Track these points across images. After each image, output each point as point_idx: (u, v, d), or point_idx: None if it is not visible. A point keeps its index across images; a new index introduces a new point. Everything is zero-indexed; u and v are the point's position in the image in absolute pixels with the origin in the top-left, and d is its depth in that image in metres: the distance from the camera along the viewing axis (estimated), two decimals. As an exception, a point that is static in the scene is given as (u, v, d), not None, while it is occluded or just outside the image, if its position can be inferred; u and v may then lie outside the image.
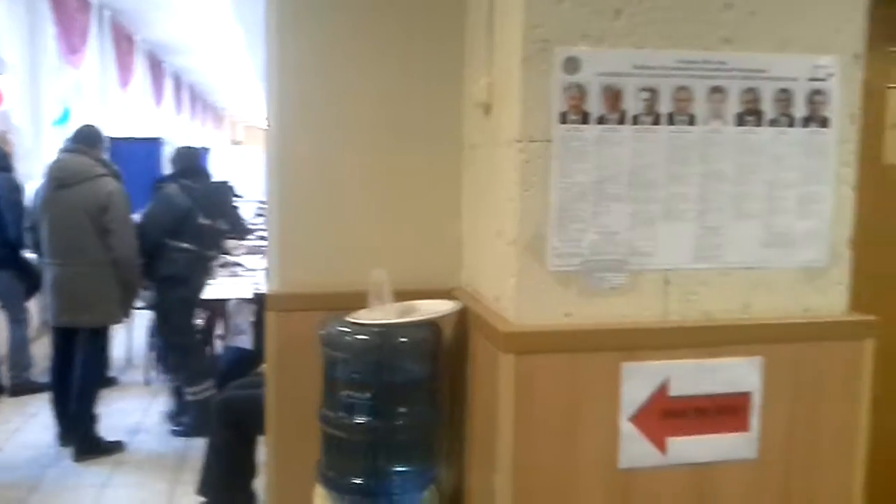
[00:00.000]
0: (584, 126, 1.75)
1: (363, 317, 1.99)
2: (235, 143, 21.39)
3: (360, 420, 1.93)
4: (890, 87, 2.43)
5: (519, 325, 1.74)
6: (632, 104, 1.77)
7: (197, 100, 16.55)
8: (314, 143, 2.23)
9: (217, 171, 12.20)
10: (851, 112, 1.87)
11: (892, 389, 2.13)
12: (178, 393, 4.92)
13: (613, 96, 1.77)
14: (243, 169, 12.62)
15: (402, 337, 1.96)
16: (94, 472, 4.24)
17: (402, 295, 2.06)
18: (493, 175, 1.93)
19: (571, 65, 1.75)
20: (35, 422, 4.91)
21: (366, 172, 2.25)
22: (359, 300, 2.05)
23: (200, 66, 13.07)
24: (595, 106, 1.76)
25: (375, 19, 2.22)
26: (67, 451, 4.42)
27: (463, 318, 2.05)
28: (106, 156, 4.64)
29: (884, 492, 2.24)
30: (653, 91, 1.78)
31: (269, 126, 2.27)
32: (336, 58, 2.22)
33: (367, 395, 1.91)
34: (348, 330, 1.96)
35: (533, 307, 1.75)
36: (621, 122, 1.77)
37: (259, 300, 5.18)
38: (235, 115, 22.15)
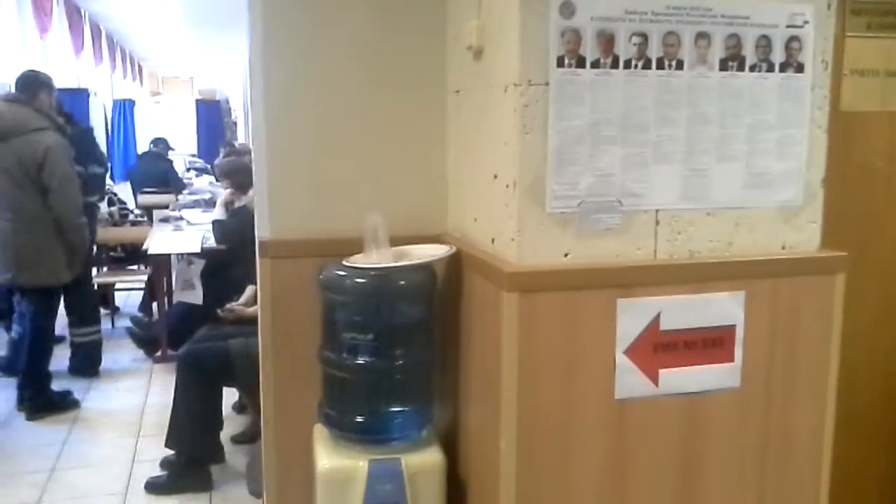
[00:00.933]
0: (581, 70, 1.80)
1: (361, 261, 2.01)
2: (154, 93, 20.73)
3: (362, 360, 1.97)
4: (848, 36, 2.54)
5: (521, 265, 1.79)
6: (624, 49, 1.82)
7: (116, 49, 15.90)
8: (298, 89, 2.22)
9: (143, 125, 11.85)
10: (823, 59, 1.97)
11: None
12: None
13: (607, 41, 1.81)
14: (170, 122, 12.27)
15: (403, 280, 2.00)
16: (52, 430, 4.17)
17: (390, 241, 2.09)
18: (488, 119, 1.96)
19: (567, 9, 1.78)
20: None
21: (350, 120, 2.25)
22: (347, 246, 2.08)
23: (120, 13, 12.53)
24: (590, 50, 1.80)
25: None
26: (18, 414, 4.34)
27: (455, 262, 2.09)
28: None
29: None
30: (644, 36, 1.83)
31: (251, 74, 2.24)
32: (318, 3, 2.20)
33: (370, 336, 1.95)
34: (350, 274, 1.98)
35: (533, 248, 1.80)
36: (615, 66, 1.82)
37: (208, 254, 5.12)
38: (155, 66, 21.38)
